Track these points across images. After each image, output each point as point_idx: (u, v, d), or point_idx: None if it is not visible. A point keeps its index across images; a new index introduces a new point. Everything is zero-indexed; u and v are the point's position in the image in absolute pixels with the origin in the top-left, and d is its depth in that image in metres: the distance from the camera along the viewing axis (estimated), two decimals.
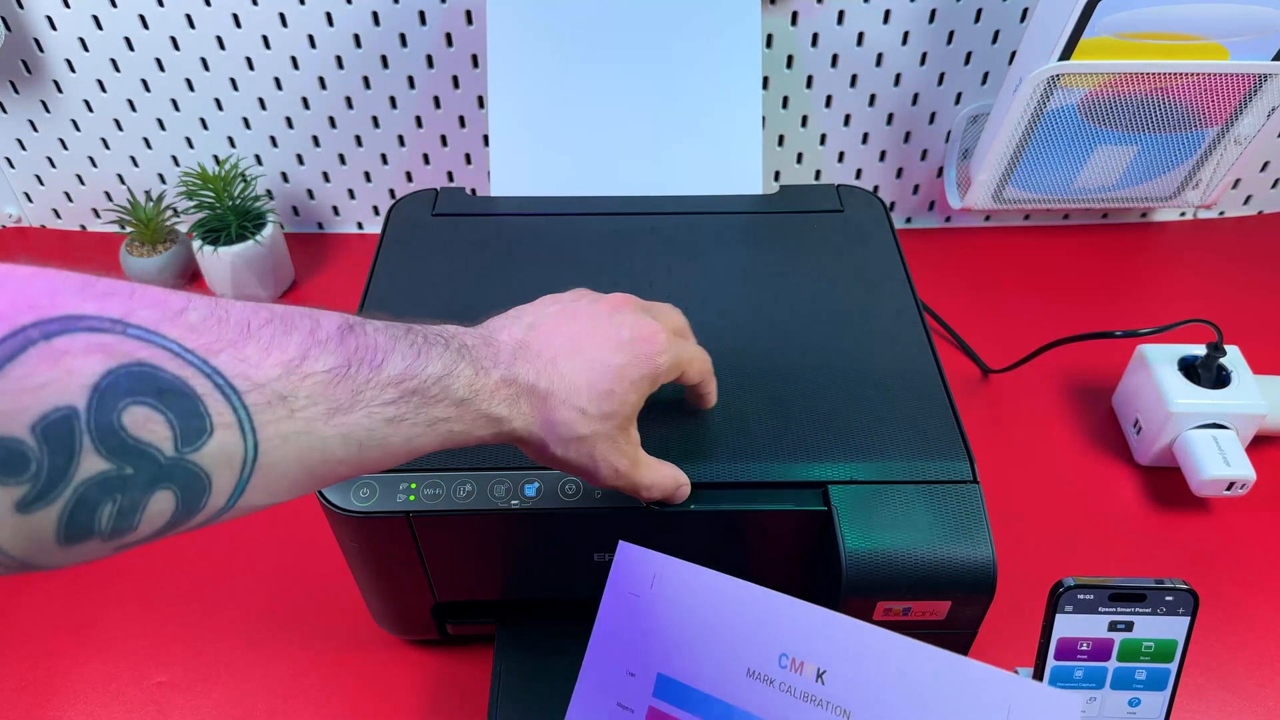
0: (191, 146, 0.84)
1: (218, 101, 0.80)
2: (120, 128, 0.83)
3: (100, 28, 0.76)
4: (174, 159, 0.85)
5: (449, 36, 0.76)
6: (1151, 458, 0.66)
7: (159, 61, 0.78)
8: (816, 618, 0.37)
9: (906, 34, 0.77)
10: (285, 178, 0.86)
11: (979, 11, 0.75)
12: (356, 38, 0.76)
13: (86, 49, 0.77)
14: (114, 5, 0.75)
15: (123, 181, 0.87)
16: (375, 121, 0.82)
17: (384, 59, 0.78)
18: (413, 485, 0.46)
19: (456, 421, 0.35)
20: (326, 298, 0.83)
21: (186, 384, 0.26)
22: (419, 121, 0.82)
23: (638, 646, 0.39)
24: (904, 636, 0.36)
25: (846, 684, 0.35)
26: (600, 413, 0.39)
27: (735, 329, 0.57)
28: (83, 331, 0.25)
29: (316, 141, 0.83)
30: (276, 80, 0.79)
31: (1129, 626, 0.46)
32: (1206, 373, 0.64)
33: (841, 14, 0.75)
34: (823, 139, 0.84)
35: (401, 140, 0.83)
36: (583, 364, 0.39)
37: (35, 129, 0.83)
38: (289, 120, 0.82)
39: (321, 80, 0.79)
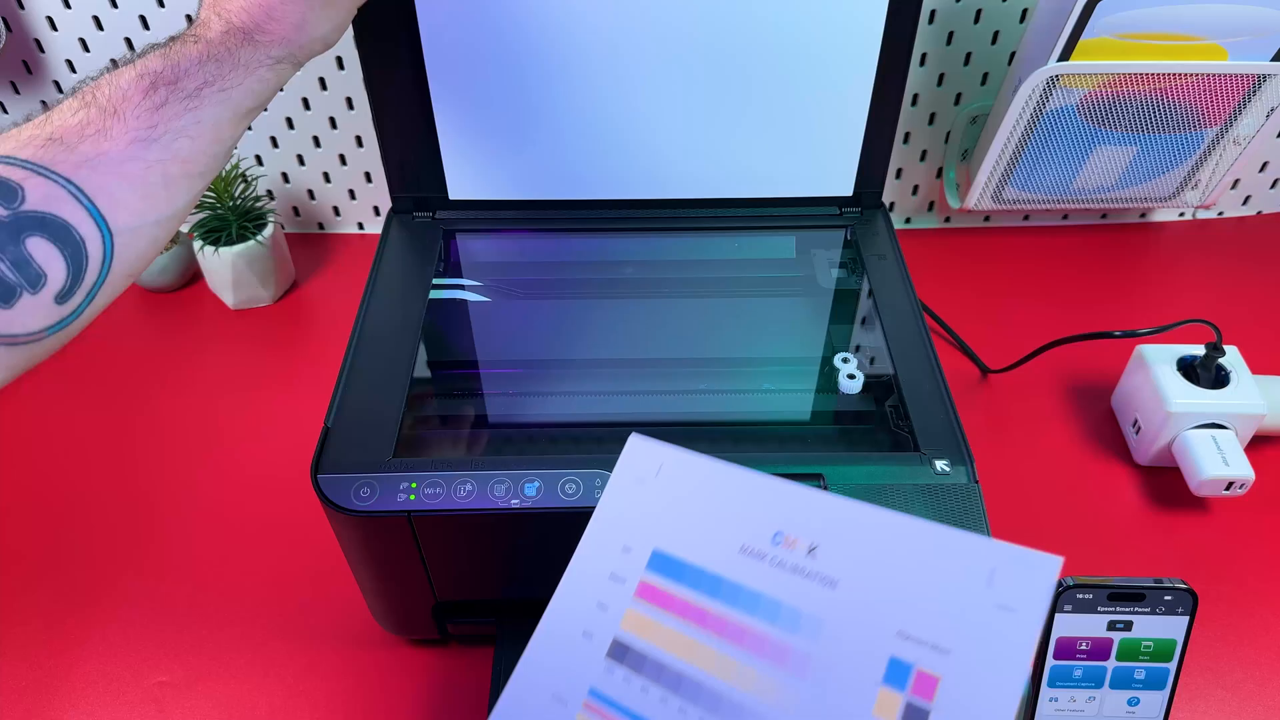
0: None
1: None
2: None
3: (101, 28, 0.76)
4: None
5: None
6: (1150, 458, 0.66)
7: None
8: (812, 499, 0.38)
9: None
10: (286, 178, 0.86)
11: (979, 12, 0.75)
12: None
13: (87, 49, 0.78)
14: (114, 6, 0.75)
15: None
16: None
17: None
18: (413, 485, 0.46)
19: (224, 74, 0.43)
20: (328, 297, 0.83)
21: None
22: None
23: (636, 526, 0.40)
24: (895, 512, 0.36)
25: (836, 557, 0.36)
26: None
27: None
28: None
29: (317, 142, 0.83)
30: None
31: (1128, 626, 0.46)
32: (1205, 373, 0.64)
33: None
34: None
35: None
36: None
37: None
38: (289, 121, 0.82)
39: (322, 81, 0.79)
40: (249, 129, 0.82)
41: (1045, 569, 0.33)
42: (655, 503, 0.40)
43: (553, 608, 0.40)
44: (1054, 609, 0.46)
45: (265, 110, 0.82)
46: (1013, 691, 0.32)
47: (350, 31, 0.76)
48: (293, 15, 0.45)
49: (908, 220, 0.90)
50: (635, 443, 0.43)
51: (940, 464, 0.47)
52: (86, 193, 0.38)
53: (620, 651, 0.37)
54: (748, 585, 0.37)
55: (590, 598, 0.39)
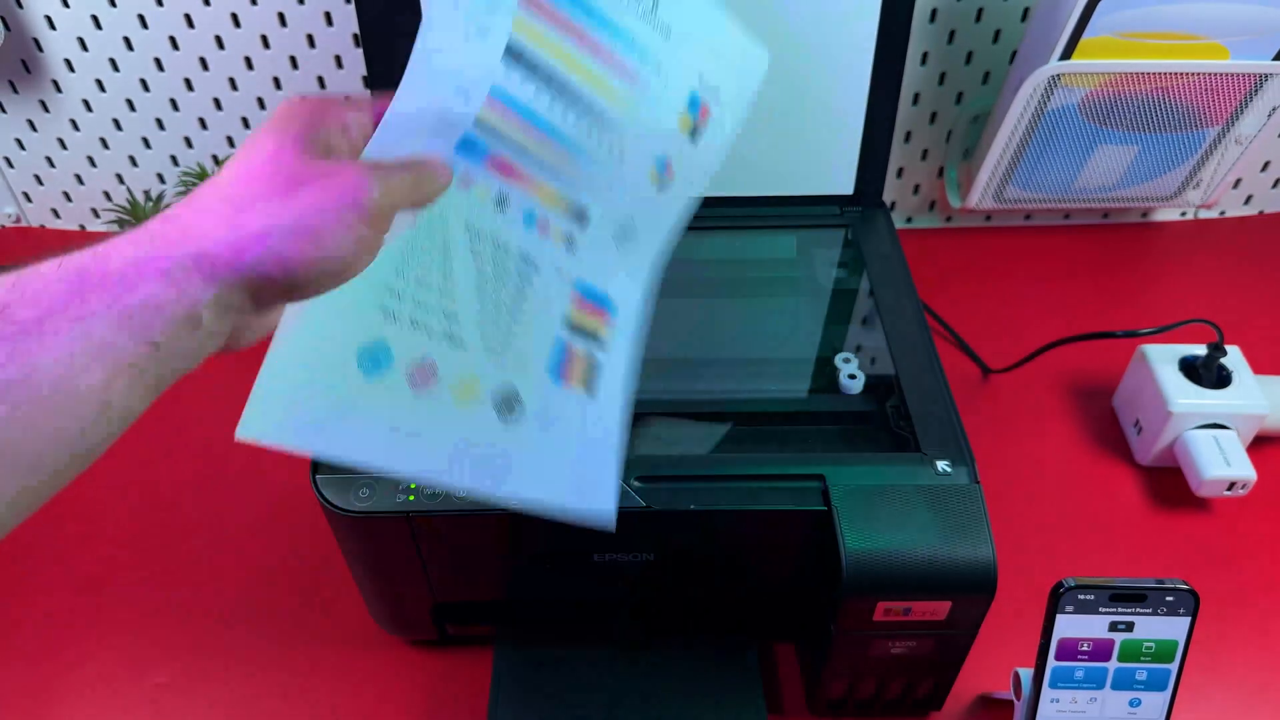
0: (191, 146, 0.83)
1: (217, 101, 0.80)
2: (119, 127, 0.83)
3: (99, 27, 0.76)
4: (173, 159, 0.84)
5: None
6: (1152, 458, 0.66)
7: (158, 61, 0.78)
8: None
9: None
10: None
11: (980, 11, 0.75)
12: (355, 38, 0.76)
13: (86, 49, 0.77)
14: (113, 5, 0.75)
15: (122, 181, 0.86)
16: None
17: None
18: (412, 485, 0.46)
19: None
20: None
21: None
22: None
23: None
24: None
25: (670, 14, 0.41)
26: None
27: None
28: None
29: None
30: (275, 80, 0.79)
31: (1130, 627, 0.46)
32: (1207, 373, 0.64)
33: None
34: None
35: None
36: None
37: (34, 128, 0.83)
38: None
39: (321, 80, 0.79)
40: (247, 128, 0.82)
41: (763, 58, 0.45)
42: None
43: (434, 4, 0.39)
44: (1055, 610, 0.46)
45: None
46: (736, 123, 0.45)
47: (352, 26, 0.76)
48: (216, 214, 0.30)
49: (909, 219, 0.89)
50: None
51: (941, 464, 0.47)
52: None
53: (515, 57, 0.38)
54: (612, 18, 0.40)
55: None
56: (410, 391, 0.38)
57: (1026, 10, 0.75)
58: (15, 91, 0.80)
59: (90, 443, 0.28)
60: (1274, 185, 0.88)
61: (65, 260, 0.28)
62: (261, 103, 0.80)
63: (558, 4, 0.39)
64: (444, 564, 0.50)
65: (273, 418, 0.38)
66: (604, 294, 0.44)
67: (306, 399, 0.38)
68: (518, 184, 0.40)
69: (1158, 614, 0.46)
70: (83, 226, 0.90)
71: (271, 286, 0.31)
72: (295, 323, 0.37)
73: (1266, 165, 0.86)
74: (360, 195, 0.32)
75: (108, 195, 0.87)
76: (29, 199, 0.88)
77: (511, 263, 0.41)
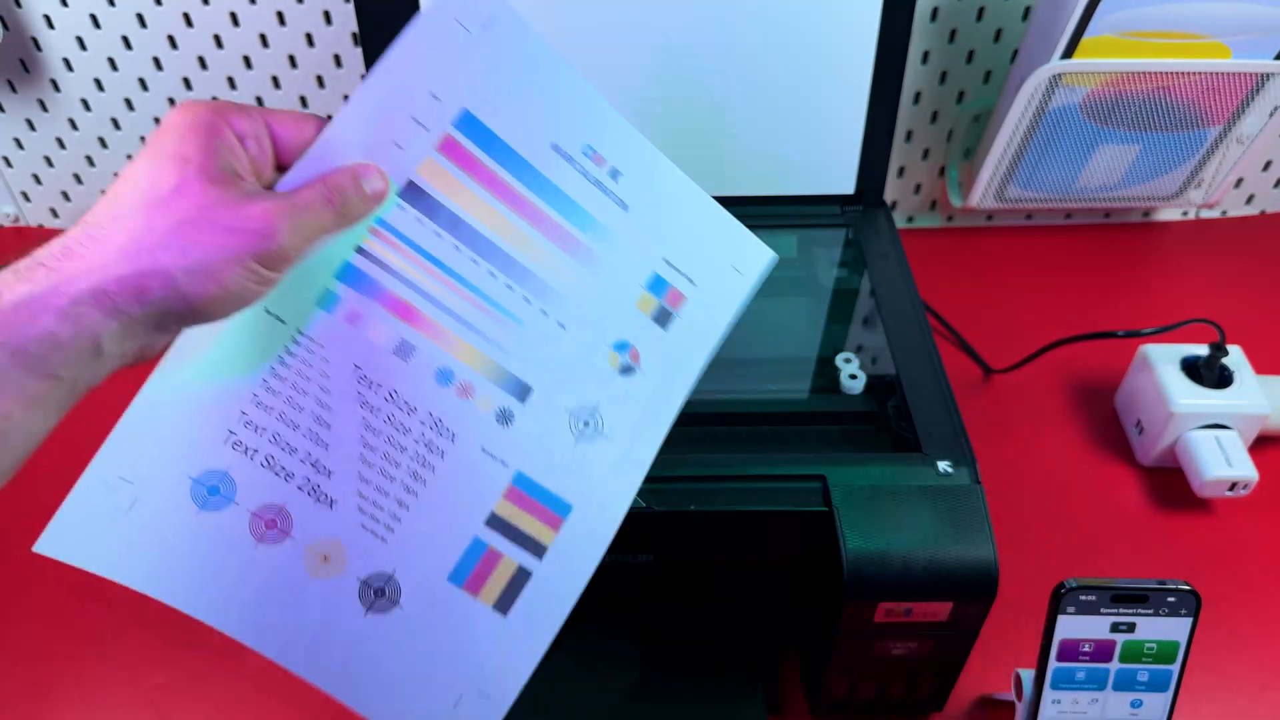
0: None
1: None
2: (118, 126, 0.82)
3: (98, 26, 0.76)
4: None
5: None
6: (1154, 458, 0.66)
7: (156, 60, 0.78)
8: (627, 132, 0.41)
9: None
10: None
11: (981, 10, 0.75)
12: (354, 37, 0.76)
13: (84, 48, 0.77)
14: (112, 4, 0.74)
15: None
16: None
17: None
18: None
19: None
20: None
21: None
22: None
23: (448, 74, 0.38)
24: (684, 176, 0.42)
25: (633, 187, 0.41)
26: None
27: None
28: None
29: None
30: (274, 79, 0.79)
31: (1131, 628, 0.46)
32: (1209, 373, 0.64)
33: None
34: None
35: None
36: None
37: (33, 128, 0.83)
38: None
39: (320, 79, 0.79)
40: None
41: (765, 254, 0.43)
42: (475, 59, 0.38)
43: (333, 133, 0.38)
44: (1057, 610, 0.45)
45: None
46: (726, 315, 0.43)
47: (351, 26, 0.76)
48: (118, 248, 0.30)
49: (910, 219, 0.89)
50: None
51: (943, 465, 0.47)
52: None
53: (414, 195, 0.37)
54: (551, 179, 0.39)
55: (384, 134, 0.38)
56: (251, 540, 0.34)
57: (1028, 9, 0.75)
58: (14, 91, 0.80)
59: None
60: (1276, 185, 0.88)
61: None
62: (260, 101, 0.80)
63: (481, 150, 0.38)
64: None
65: (81, 535, 0.36)
66: (555, 494, 0.38)
67: (126, 520, 0.35)
68: (424, 334, 0.37)
69: (1159, 615, 0.46)
70: None
71: (173, 317, 0.32)
72: (125, 434, 0.35)
73: (1268, 165, 0.86)
74: (268, 244, 0.32)
75: None
76: (28, 198, 0.88)
77: (414, 424, 0.36)
